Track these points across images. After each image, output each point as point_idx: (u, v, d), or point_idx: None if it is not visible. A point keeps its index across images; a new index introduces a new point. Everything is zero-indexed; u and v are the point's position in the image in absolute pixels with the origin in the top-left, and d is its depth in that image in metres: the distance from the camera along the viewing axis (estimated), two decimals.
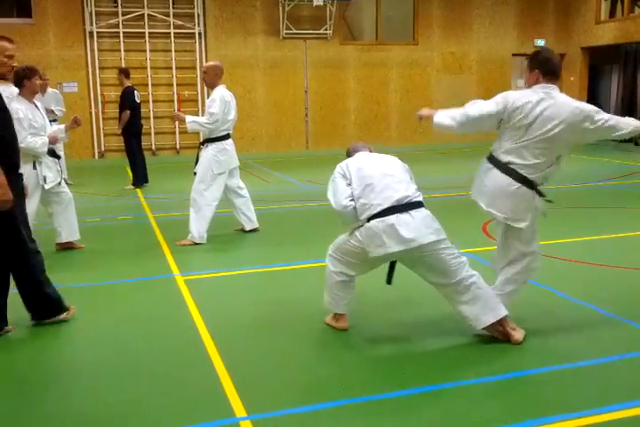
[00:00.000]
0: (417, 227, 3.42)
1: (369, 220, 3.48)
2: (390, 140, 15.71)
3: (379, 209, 3.46)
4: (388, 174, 3.59)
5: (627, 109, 15.46)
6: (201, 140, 6.17)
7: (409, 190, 3.55)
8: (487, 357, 3.42)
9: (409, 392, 3.03)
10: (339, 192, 3.61)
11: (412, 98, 15.77)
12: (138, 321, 4.09)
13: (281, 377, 3.22)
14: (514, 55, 16.42)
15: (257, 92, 14.85)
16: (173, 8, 14.02)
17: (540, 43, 16.44)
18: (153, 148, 14.13)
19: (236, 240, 6.26)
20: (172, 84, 14.27)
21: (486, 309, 3.50)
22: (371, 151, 3.94)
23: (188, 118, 5.98)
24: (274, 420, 2.81)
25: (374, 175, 3.57)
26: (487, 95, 15.30)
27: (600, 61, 16.62)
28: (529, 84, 3.77)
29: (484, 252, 5.51)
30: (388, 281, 3.67)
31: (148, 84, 13.85)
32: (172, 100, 14.34)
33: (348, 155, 3.94)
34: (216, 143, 6.05)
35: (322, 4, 14.21)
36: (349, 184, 3.61)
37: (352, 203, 3.56)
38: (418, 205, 3.53)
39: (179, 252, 5.72)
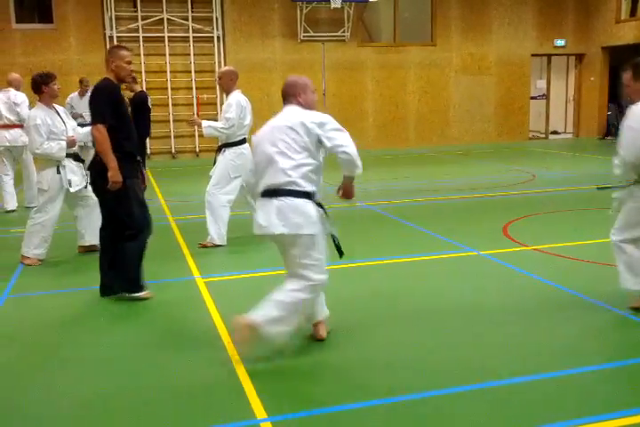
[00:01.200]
0: (269, 217, 3.36)
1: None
2: (408, 141, 15.68)
3: (262, 188, 3.46)
4: (274, 158, 3.42)
5: None
6: (219, 144, 6.19)
7: (282, 178, 3.39)
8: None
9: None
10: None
11: (431, 99, 15.72)
12: (160, 322, 4.13)
13: (301, 379, 3.23)
14: (533, 55, 16.31)
15: (275, 95, 14.88)
16: (192, 12, 14.13)
17: (560, 43, 16.32)
18: (173, 151, 14.24)
19: (255, 242, 6.28)
20: (190, 88, 14.37)
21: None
22: (301, 105, 3.67)
23: (205, 123, 6.01)
24: (293, 422, 2.82)
25: (262, 156, 3.50)
26: (506, 96, 15.38)
27: (621, 61, 16.43)
28: (634, 98, 3.85)
29: (504, 254, 5.49)
30: (339, 253, 3.57)
31: (167, 88, 13.97)
32: (192, 104, 14.44)
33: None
34: (233, 148, 6.06)
35: (339, 6, 14.23)
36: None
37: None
38: (286, 192, 3.37)
39: (199, 254, 5.76)
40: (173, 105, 14.07)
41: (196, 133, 14.45)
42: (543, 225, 6.72)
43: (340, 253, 3.56)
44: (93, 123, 4.39)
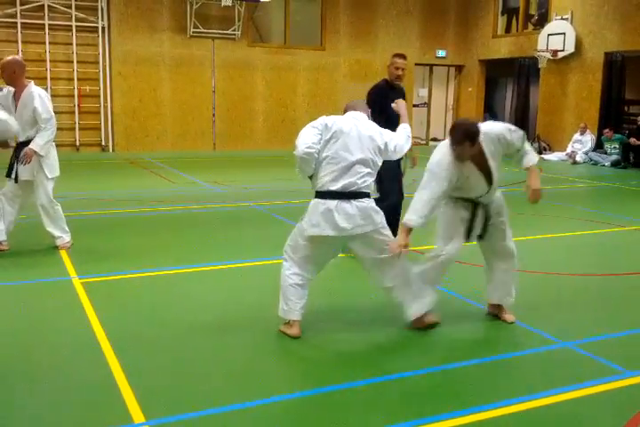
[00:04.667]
0: (349, 217, 3.57)
1: (315, 196, 3.64)
2: None
3: (324, 189, 3.59)
4: (356, 159, 3.59)
5: (519, 119, 16.36)
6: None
7: (360, 179, 3.60)
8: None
9: (307, 393, 3.11)
10: (305, 137, 3.61)
11: (320, 102, 16.00)
12: (32, 324, 3.95)
13: (180, 382, 3.21)
14: (416, 65, 17.00)
15: (162, 89, 14.59)
16: (75, 0, 13.54)
17: (442, 54, 17.13)
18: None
19: (137, 242, 6.15)
20: (72, 79, 13.77)
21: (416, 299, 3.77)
22: (367, 115, 3.89)
23: (35, 147, 5.35)
24: (172, 425, 2.81)
25: (345, 151, 3.59)
26: None
27: (496, 74, 17.53)
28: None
29: None
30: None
31: (46, 78, 13.30)
32: (73, 95, 13.84)
33: (344, 111, 3.97)
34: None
35: (230, 4, 14.16)
36: (321, 136, 3.62)
37: (311, 150, 3.58)
38: (362, 195, 3.62)
39: (76, 253, 5.56)
40: (53, 96, 13.36)
41: (77, 126, 13.88)
42: (427, 228, 7.02)
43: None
44: None
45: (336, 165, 3.60)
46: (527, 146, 3.90)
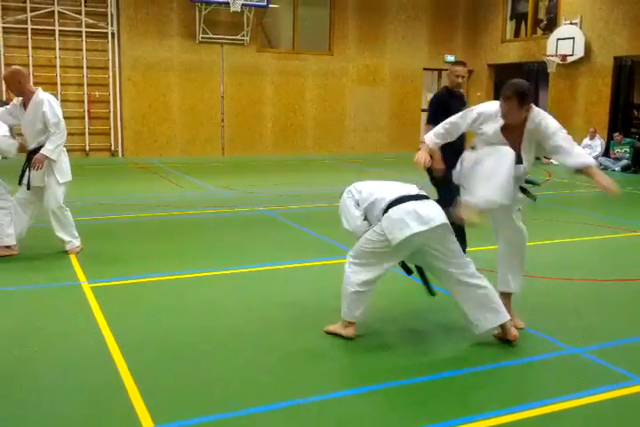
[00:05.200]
0: (432, 210, 3.66)
1: (385, 211, 3.65)
2: (306, 148, 15.89)
3: (392, 198, 3.68)
4: (393, 184, 3.89)
5: None
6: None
7: (414, 189, 3.82)
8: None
9: (310, 400, 3.11)
10: (350, 216, 3.79)
11: (328, 107, 16.02)
12: (41, 328, 3.97)
13: (189, 386, 3.21)
14: (425, 69, 17.00)
15: (171, 95, 14.66)
16: (85, 6, 13.65)
17: (450, 58, 17.12)
18: None
19: (146, 247, 6.17)
20: (82, 84, 13.86)
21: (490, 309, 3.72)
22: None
23: (46, 152, 5.41)
24: None
25: (380, 187, 3.84)
26: (399, 108, 15.97)
27: (505, 78, 17.45)
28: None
29: None
30: (431, 292, 3.89)
31: (56, 84, 13.39)
32: (83, 101, 13.93)
33: None
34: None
35: (239, 10, 14.23)
36: (357, 204, 3.80)
37: (362, 218, 3.77)
38: (425, 197, 3.79)
39: (86, 258, 5.58)
40: (63, 101, 13.49)
41: (87, 131, 13.96)
42: None
43: None
44: None
45: (381, 191, 3.81)
46: (574, 148, 3.79)
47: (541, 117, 3.83)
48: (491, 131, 3.89)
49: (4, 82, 5.46)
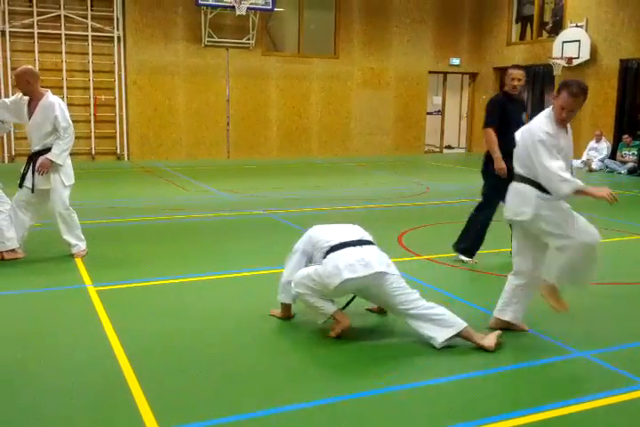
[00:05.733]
0: (370, 257, 3.75)
1: (325, 256, 3.79)
2: (311, 151, 15.90)
3: (333, 244, 3.82)
4: (342, 228, 4.04)
5: None
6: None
7: (360, 234, 3.98)
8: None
9: (329, 401, 3.10)
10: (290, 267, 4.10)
11: (333, 111, 16.03)
12: (47, 330, 3.98)
13: (195, 389, 3.21)
14: (430, 73, 17.00)
15: (177, 98, 14.69)
16: (92, 10, 13.71)
17: (455, 62, 17.12)
18: None
19: (152, 251, 6.18)
20: (88, 88, 13.91)
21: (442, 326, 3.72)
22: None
23: (52, 157, 5.44)
24: None
25: (328, 231, 4.02)
26: (404, 111, 15.92)
27: None
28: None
29: (398, 263, 5.67)
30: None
31: (63, 87, 13.44)
32: (89, 105, 13.98)
33: None
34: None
35: (244, 13, 14.26)
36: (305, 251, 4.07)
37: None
38: (369, 242, 3.92)
39: (91, 261, 5.59)
40: (69, 105, 13.47)
41: (92, 135, 14.00)
42: (436, 235, 7.02)
43: None
44: None
45: (327, 236, 3.99)
46: None
47: None
48: (563, 140, 3.74)
49: (14, 79, 5.48)
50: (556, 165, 3.59)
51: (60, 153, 5.46)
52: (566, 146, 3.78)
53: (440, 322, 3.71)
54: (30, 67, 5.60)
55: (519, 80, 5.55)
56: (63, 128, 5.43)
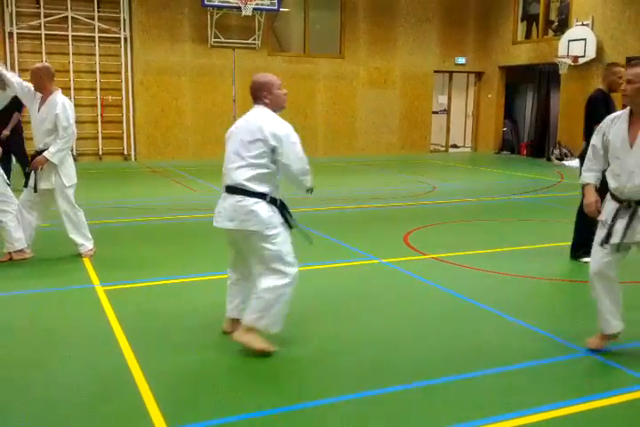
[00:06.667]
0: (225, 210, 3.64)
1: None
2: (317, 150, 15.90)
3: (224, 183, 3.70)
4: (232, 157, 3.66)
5: (540, 126, 16.28)
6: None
7: (238, 176, 3.58)
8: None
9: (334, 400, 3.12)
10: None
11: (339, 110, 16.04)
12: (55, 330, 4.01)
13: (203, 389, 3.24)
14: (435, 72, 16.98)
15: (184, 99, 14.74)
16: (98, 12, 13.77)
17: (461, 61, 17.10)
18: (74, 153, 13.76)
19: (159, 250, 6.21)
20: (95, 89, 13.98)
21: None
22: (267, 105, 3.89)
23: (47, 155, 5.47)
24: None
25: (227, 152, 3.71)
26: (410, 110, 15.92)
27: (516, 80, 17.43)
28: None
29: (404, 262, 5.70)
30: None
31: (70, 88, 13.51)
32: (96, 105, 14.05)
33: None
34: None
35: (250, 14, 14.29)
36: None
37: None
38: (239, 191, 3.58)
39: (99, 261, 5.63)
40: (76, 106, 13.52)
41: (100, 135, 14.07)
42: (441, 235, 7.03)
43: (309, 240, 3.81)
44: None
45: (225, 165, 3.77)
46: None
47: None
48: (616, 134, 3.54)
49: (30, 74, 5.54)
50: None
51: (56, 152, 5.49)
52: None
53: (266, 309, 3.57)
54: (48, 65, 5.67)
55: (620, 77, 5.30)
56: (63, 127, 5.47)
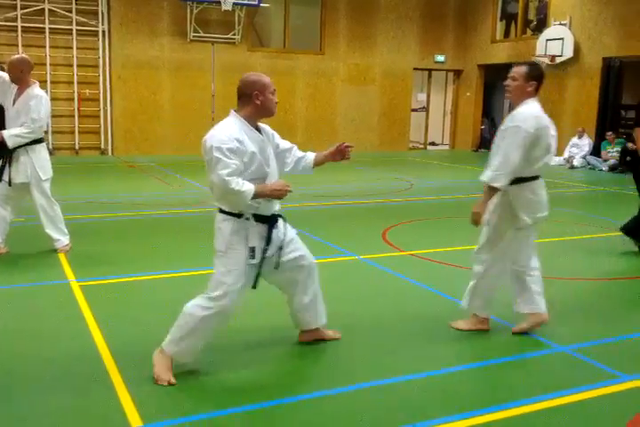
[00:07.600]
0: None
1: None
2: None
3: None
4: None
5: None
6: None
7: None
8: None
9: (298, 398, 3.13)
10: None
11: (319, 106, 16.04)
12: (29, 327, 3.97)
13: (178, 385, 3.22)
14: (415, 69, 17.05)
15: (162, 93, 14.63)
16: (76, 4, 13.60)
17: (440, 59, 17.18)
18: (50, 147, 13.59)
19: (136, 246, 6.17)
20: (72, 82, 13.81)
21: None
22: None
23: (5, 133, 5.38)
24: None
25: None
26: (389, 107, 15.96)
27: (494, 78, 17.56)
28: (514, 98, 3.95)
29: (382, 258, 5.73)
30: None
31: (46, 81, 13.33)
32: (73, 99, 13.88)
33: None
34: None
35: (230, 9, 14.22)
36: None
37: None
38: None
39: (75, 256, 5.58)
40: (53, 99, 13.38)
41: (76, 130, 13.91)
42: (419, 231, 7.07)
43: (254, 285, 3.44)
44: None
45: None
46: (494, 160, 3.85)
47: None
48: None
49: (6, 67, 5.41)
50: None
51: (14, 136, 5.34)
52: None
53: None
54: (27, 57, 5.54)
55: None
56: (32, 119, 5.36)
